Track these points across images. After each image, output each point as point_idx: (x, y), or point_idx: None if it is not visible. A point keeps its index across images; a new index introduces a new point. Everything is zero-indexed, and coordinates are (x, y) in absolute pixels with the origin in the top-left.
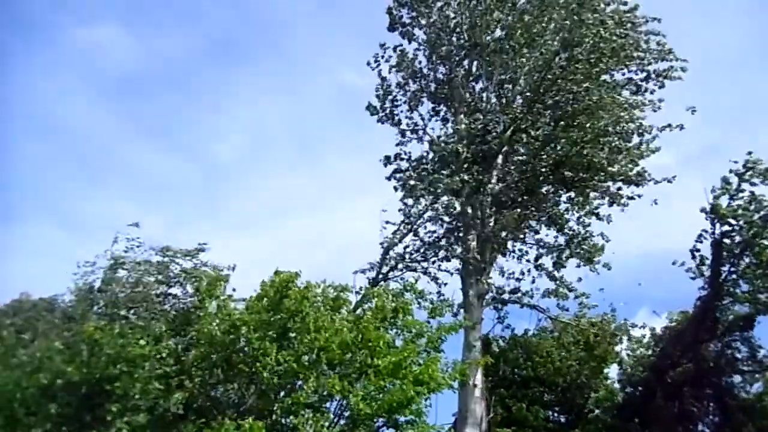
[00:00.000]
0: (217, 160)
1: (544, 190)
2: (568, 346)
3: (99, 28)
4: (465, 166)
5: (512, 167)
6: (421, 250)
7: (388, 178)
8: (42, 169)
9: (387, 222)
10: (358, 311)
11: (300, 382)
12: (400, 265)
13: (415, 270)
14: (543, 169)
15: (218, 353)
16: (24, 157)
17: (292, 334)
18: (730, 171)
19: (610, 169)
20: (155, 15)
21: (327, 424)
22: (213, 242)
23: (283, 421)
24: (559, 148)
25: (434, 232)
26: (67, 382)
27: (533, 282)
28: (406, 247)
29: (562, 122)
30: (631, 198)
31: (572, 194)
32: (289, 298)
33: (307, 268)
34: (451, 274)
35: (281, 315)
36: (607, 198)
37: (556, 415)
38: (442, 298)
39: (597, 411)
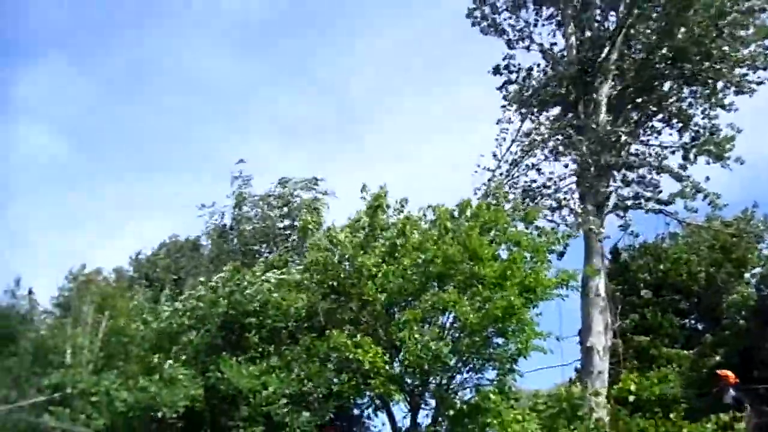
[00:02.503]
0: (349, 95)
1: (664, 87)
2: (700, 250)
3: None
4: (577, 75)
5: (627, 66)
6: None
7: (499, 89)
8: (184, 120)
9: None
10: (455, 224)
11: (410, 298)
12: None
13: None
14: (660, 65)
15: (330, 278)
16: (169, 110)
17: (397, 255)
18: None
19: (733, 55)
20: None
21: (439, 335)
22: (354, 175)
23: (395, 335)
24: (675, 39)
25: (549, 141)
26: (206, 314)
27: (657, 186)
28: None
29: (676, 8)
30: (761, 83)
31: (695, 87)
32: (383, 212)
33: (443, 195)
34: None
35: (383, 233)
36: (732, 87)
37: (693, 322)
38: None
39: (728, 316)
